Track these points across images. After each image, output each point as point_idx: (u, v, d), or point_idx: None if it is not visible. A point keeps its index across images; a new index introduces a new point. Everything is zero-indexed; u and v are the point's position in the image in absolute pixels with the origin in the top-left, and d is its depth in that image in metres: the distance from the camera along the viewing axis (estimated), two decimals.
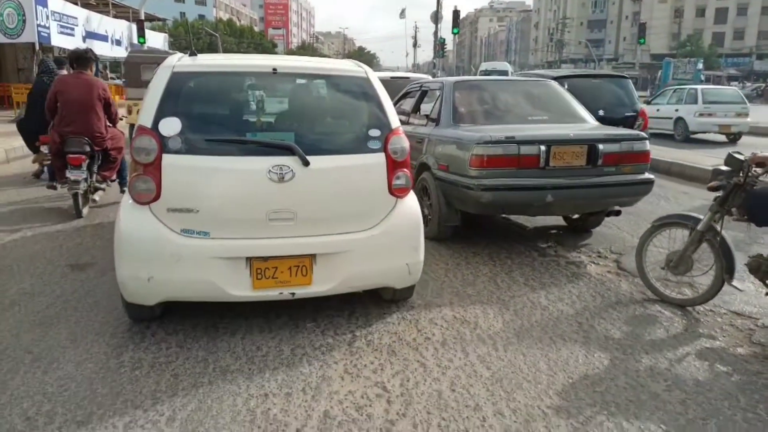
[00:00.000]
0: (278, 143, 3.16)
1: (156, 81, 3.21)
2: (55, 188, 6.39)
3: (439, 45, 37.74)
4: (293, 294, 3.19)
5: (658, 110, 15.93)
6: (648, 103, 16.80)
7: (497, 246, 5.30)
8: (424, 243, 3.55)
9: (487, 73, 27.81)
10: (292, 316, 3.55)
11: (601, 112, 7.73)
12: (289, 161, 3.08)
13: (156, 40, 27.78)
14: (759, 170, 3.38)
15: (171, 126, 3.05)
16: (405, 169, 3.40)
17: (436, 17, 22.03)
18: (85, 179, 5.94)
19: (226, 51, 64.04)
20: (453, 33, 20.65)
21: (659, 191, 7.55)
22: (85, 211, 6.05)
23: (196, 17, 73.10)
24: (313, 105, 3.67)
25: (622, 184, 4.89)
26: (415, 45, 70.32)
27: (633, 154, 4.91)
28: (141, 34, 22.42)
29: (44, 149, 6.98)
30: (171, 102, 3.12)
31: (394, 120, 3.44)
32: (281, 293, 3.17)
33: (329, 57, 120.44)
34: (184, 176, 3.05)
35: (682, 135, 15.04)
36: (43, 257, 4.68)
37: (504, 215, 6.20)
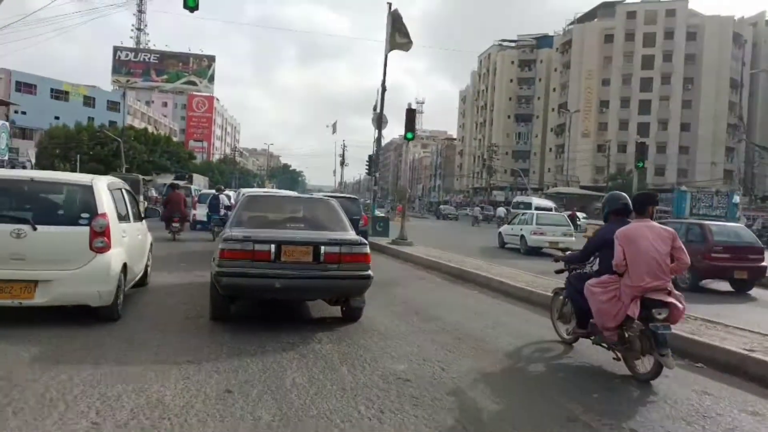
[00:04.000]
0: (19, 217, 5.70)
1: None
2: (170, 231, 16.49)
3: (374, 160, 33.44)
4: (21, 303, 5.52)
5: (512, 229, 20.06)
6: (508, 223, 22.06)
7: None
8: (116, 280, 5.95)
9: (519, 205, 37.67)
10: None
11: None
12: (25, 227, 5.57)
13: None
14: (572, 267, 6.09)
15: None
16: (104, 238, 5.82)
17: (380, 121, 17.44)
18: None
19: (133, 158, 57.85)
20: (407, 138, 15.97)
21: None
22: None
23: (106, 123, 66.86)
24: (52, 197, 6.34)
25: (342, 278, 6.19)
26: (342, 163, 67.12)
27: (353, 255, 6.24)
28: None
29: (174, 226, 16.35)
30: None
31: (101, 208, 5.92)
32: (13, 302, 5.49)
33: (252, 171, 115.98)
34: None
35: (524, 248, 18.77)
36: None
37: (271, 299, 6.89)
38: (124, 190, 7.26)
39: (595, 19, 75.13)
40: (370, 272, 6.29)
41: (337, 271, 6.10)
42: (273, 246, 5.91)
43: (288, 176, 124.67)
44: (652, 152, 70.06)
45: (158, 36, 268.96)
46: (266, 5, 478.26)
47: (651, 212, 5.08)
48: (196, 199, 22.81)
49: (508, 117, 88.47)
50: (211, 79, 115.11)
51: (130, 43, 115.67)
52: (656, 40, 69.72)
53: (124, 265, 6.27)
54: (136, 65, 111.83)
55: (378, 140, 19.40)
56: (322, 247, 6.05)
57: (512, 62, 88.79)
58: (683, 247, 4.98)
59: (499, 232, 21.74)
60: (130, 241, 6.76)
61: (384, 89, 18.02)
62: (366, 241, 6.53)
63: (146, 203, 26.59)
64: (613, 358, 5.24)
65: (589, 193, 57.77)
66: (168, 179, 44.20)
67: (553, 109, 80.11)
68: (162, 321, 6.30)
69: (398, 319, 6.93)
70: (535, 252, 18.29)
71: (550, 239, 18.39)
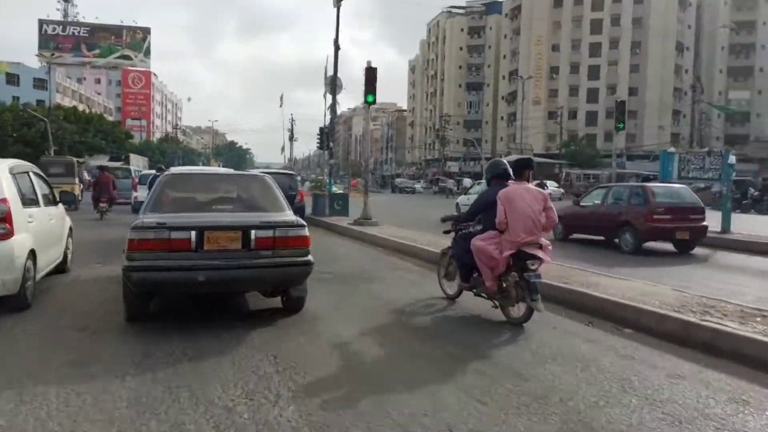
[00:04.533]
0: None
1: None
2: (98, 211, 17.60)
3: (328, 131, 31.57)
4: None
5: (468, 199, 19.43)
6: (464, 193, 22.33)
7: None
8: (21, 268, 5.68)
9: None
10: None
11: None
12: None
13: None
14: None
15: None
16: (5, 224, 5.59)
17: (333, 84, 15.32)
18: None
19: (63, 139, 53.60)
20: (367, 102, 13.64)
21: None
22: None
23: (32, 102, 61.73)
24: None
25: (277, 266, 5.36)
26: (291, 138, 64.43)
27: (289, 239, 5.44)
28: None
29: (102, 206, 17.55)
30: None
31: (1, 194, 5.67)
32: None
33: (196, 150, 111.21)
34: None
35: None
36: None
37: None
38: (32, 174, 6.99)
39: None
40: (310, 257, 5.55)
41: (272, 258, 5.35)
42: (194, 233, 5.14)
43: (235, 153, 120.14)
44: (602, 118, 70.44)
45: (87, 8, 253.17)
46: None
47: (527, 176, 5.74)
48: (137, 180, 21.20)
49: (459, 86, 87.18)
50: (147, 53, 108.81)
51: (57, 16, 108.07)
52: (604, 4, 69.36)
53: (32, 252, 6.02)
54: (65, 39, 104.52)
55: (332, 107, 17.30)
56: (253, 232, 5.30)
57: (462, 29, 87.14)
58: (553, 207, 5.64)
59: (456, 203, 21.66)
60: (39, 227, 6.48)
61: (337, 48, 15.90)
62: (304, 222, 5.74)
63: (81, 186, 25.79)
64: (492, 307, 5.85)
65: (542, 161, 57.26)
66: (102, 161, 41.41)
67: (503, 77, 79.25)
68: (58, 333, 5.13)
69: (390, 342, 4.93)
70: None
71: None
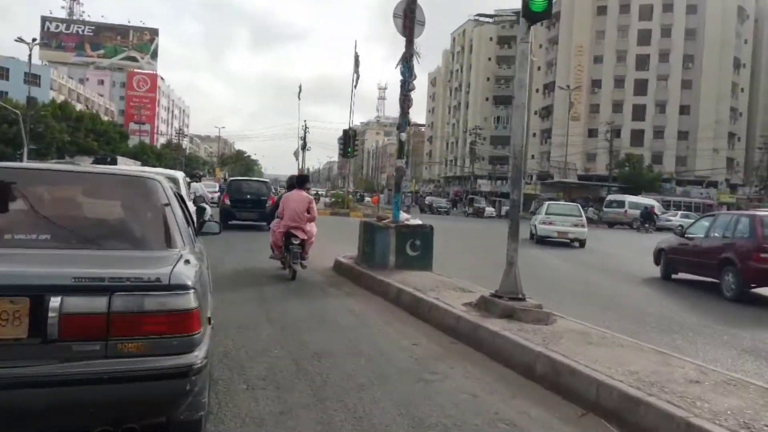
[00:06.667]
0: None
1: None
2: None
3: (351, 136, 25.11)
4: None
5: (537, 219, 20.95)
6: (532, 213, 26.97)
7: None
8: None
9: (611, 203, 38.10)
10: None
11: (248, 196, 16.14)
12: None
13: None
14: None
15: None
16: None
17: (412, 13, 8.23)
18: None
19: (52, 138, 47.57)
20: (530, 11, 6.76)
21: None
22: None
23: (22, 99, 55.54)
24: None
25: (114, 378, 2.20)
26: (304, 147, 58.04)
27: (146, 317, 2.26)
28: None
29: None
30: None
31: None
32: None
33: (201, 158, 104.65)
34: None
35: (536, 238, 19.93)
36: None
37: None
38: None
39: None
40: (196, 356, 2.30)
41: (103, 361, 2.18)
42: None
43: (242, 164, 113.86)
44: (649, 138, 63.80)
45: (94, 9, 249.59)
46: None
47: (305, 187, 9.56)
48: None
49: (486, 99, 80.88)
50: (154, 55, 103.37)
51: (62, 15, 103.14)
52: (653, 12, 63.14)
53: None
54: (69, 38, 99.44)
55: (407, 57, 9.11)
56: (54, 300, 2.13)
57: (490, 39, 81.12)
58: (315, 207, 9.45)
59: (532, 224, 22.99)
60: None
61: None
62: (185, 281, 2.33)
63: None
64: (280, 268, 9.54)
65: (588, 183, 50.52)
66: (86, 163, 35.50)
67: (537, 90, 72.74)
68: None
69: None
70: (544, 241, 19.46)
71: (559, 229, 19.27)
